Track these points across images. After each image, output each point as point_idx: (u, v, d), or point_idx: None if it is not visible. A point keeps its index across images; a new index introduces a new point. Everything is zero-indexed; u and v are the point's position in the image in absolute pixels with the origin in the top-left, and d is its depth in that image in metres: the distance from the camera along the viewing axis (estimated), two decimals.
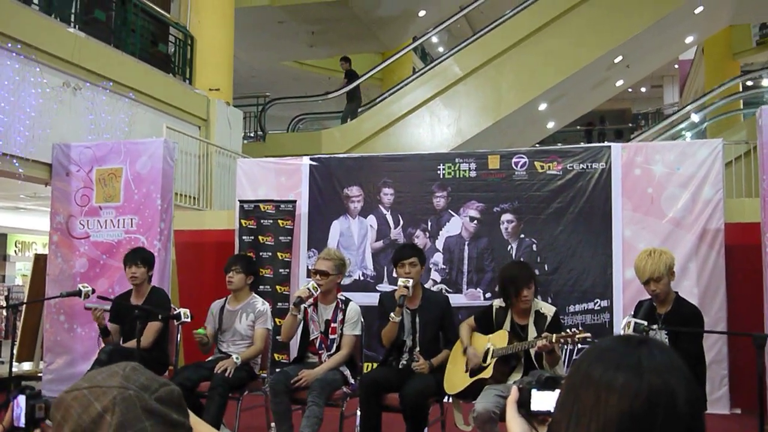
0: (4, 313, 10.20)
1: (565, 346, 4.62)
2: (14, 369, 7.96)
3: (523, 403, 1.50)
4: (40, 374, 7.62)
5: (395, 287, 4.73)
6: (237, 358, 5.02)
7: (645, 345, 1.15)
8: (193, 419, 1.39)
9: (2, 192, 10.24)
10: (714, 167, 6.63)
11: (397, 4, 15.48)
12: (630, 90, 23.39)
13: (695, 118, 14.75)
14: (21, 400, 1.80)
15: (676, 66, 23.62)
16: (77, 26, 8.64)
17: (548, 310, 4.53)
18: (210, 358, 5.32)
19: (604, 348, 1.17)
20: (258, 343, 5.24)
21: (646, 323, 3.93)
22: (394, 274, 4.94)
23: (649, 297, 4.37)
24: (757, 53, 18.08)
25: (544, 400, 1.49)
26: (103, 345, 5.47)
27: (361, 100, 14.91)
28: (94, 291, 5.16)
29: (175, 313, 5.05)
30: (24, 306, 8.37)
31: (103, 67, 8.49)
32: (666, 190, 6.71)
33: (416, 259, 4.83)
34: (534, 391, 1.51)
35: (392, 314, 4.67)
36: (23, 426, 1.78)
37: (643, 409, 1.07)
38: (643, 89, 26.89)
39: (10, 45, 7.16)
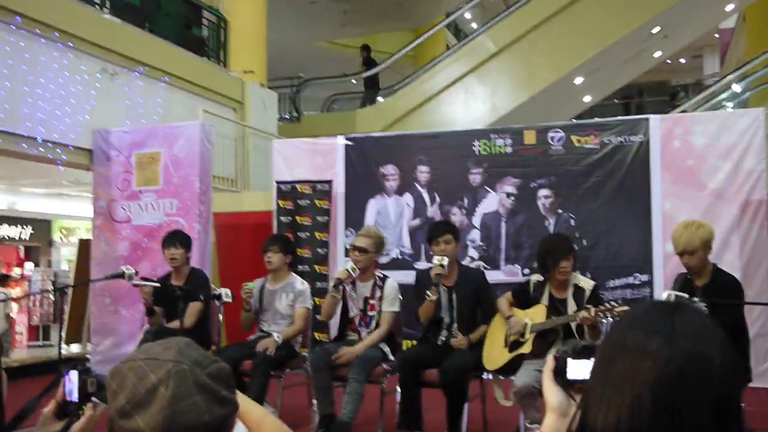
0: (52, 297, 10.45)
1: (605, 320, 4.59)
2: (63, 351, 8.21)
3: (560, 372, 1.50)
4: (87, 356, 7.81)
5: (432, 265, 4.74)
6: (278, 337, 5.09)
7: (679, 310, 1.14)
8: (240, 396, 1.43)
9: (46, 179, 10.46)
10: (756, 137, 6.48)
11: None
12: (668, 61, 22.92)
13: (737, 88, 14.41)
14: (73, 375, 1.85)
15: (717, 35, 23.06)
16: (112, 12, 8.74)
17: (587, 284, 4.51)
18: (251, 337, 5.39)
19: (638, 314, 1.17)
20: (298, 322, 5.30)
21: (687, 296, 3.90)
22: (430, 252, 4.94)
23: (682, 272, 4.33)
24: None
25: (580, 369, 1.49)
26: (147, 326, 5.58)
27: (379, 87, 14.94)
28: (137, 273, 5.24)
29: (216, 293, 5.14)
30: (71, 289, 8.56)
31: (138, 52, 8.59)
32: (706, 162, 6.59)
33: (450, 236, 4.82)
34: (570, 360, 1.50)
35: (428, 292, 4.69)
36: (76, 401, 1.83)
37: (677, 375, 1.07)
38: (682, 60, 26.31)
39: (48, 33, 7.27)
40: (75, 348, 8.76)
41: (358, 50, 17.23)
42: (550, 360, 1.52)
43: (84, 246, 8.49)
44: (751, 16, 17.32)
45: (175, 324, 5.20)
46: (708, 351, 1.09)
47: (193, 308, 5.35)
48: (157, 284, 5.39)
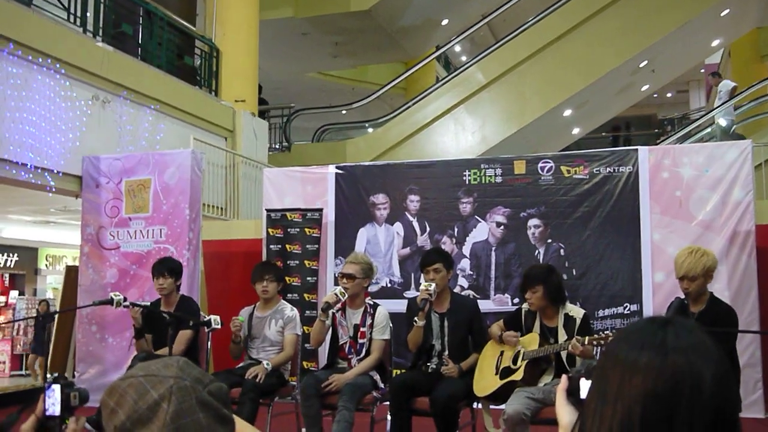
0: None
1: (597, 349, 4.59)
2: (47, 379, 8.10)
3: (573, 392, 1.51)
4: None
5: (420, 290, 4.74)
6: (267, 365, 5.05)
7: (671, 325, 1.13)
8: (236, 418, 1.41)
9: (33, 206, 10.41)
10: (743, 169, 6.55)
11: (420, 14, 15.53)
12: (655, 95, 23.21)
13: (722, 122, 14.58)
14: (56, 388, 1.83)
15: (702, 70, 23.40)
16: (105, 40, 8.78)
17: (577, 313, 4.51)
18: (240, 365, 5.34)
19: (631, 329, 1.17)
20: (288, 348, 5.25)
21: None
22: (422, 280, 4.93)
23: (679, 296, 4.35)
24: None
25: None
26: (135, 353, 5.52)
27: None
28: (125, 299, 5.19)
29: (205, 320, 5.09)
30: (56, 317, 8.48)
31: (130, 80, 8.61)
32: (694, 193, 6.64)
33: (440, 264, 4.82)
34: (583, 380, 1.51)
35: (416, 318, 4.68)
36: (57, 414, 1.80)
37: (667, 389, 1.06)
38: (669, 94, 26.66)
39: (41, 60, 7.29)
40: None
41: (349, 81, 17.36)
42: (563, 379, 1.52)
43: (71, 273, 8.42)
44: (736, 51, 17.61)
45: (163, 351, 5.15)
46: (699, 366, 1.07)
47: (183, 336, 5.30)
48: (147, 304, 5.33)
